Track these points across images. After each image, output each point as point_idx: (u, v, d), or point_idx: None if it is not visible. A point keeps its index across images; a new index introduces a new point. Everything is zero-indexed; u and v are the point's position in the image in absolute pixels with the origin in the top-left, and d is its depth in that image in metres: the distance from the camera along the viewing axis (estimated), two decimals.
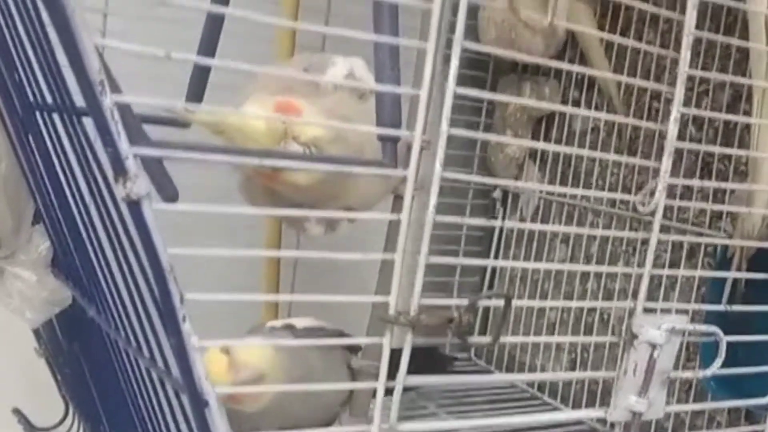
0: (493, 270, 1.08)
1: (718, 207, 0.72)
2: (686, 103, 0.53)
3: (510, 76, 1.05)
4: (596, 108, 0.97)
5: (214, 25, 0.74)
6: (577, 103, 1.01)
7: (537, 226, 1.05)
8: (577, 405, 0.94)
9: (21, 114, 0.61)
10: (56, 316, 0.69)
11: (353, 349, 0.71)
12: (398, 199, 0.54)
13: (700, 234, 0.84)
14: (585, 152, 0.80)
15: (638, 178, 0.94)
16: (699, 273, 0.78)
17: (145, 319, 0.47)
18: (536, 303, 0.95)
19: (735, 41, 0.66)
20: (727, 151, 0.77)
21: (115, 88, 0.42)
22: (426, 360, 0.60)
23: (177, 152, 0.43)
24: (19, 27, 0.53)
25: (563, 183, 1.02)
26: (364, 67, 0.66)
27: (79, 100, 0.43)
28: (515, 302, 0.51)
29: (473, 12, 0.97)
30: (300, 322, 0.69)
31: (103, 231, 0.49)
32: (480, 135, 0.85)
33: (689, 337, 0.59)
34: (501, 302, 0.51)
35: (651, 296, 0.58)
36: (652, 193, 0.55)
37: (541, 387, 1.00)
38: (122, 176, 0.40)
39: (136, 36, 0.47)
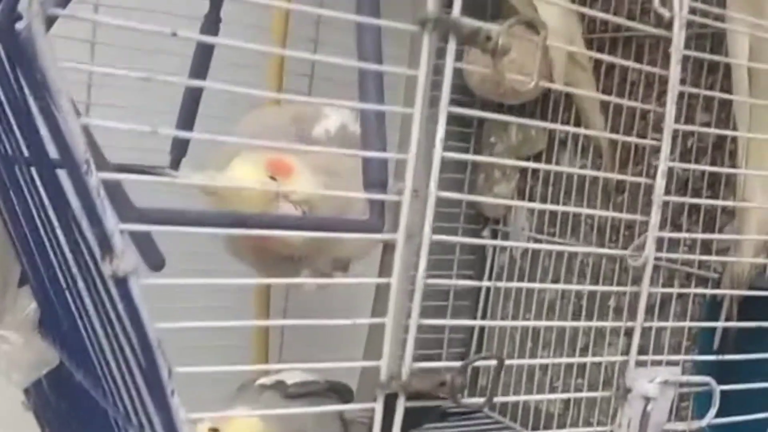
0: (485, 309, 1.08)
1: (707, 258, 0.72)
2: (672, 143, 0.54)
3: (500, 111, 1.06)
4: (583, 149, 0.98)
5: (204, 53, 0.74)
6: (563, 143, 1.02)
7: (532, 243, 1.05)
8: None
9: (2, 168, 0.61)
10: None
11: (345, 398, 0.71)
12: (388, 248, 0.53)
13: (690, 275, 0.84)
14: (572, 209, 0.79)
15: (626, 220, 0.94)
16: (689, 324, 0.78)
17: (134, 390, 0.47)
18: (526, 361, 0.95)
19: (718, 94, 0.66)
20: (715, 203, 0.77)
21: (102, 165, 0.42)
22: (418, 413, 0.60)
23: (165, 226, 0.43)
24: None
25: (552, 222, 1.02)
26: (354, 119, 0.66)
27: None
28: (507, 361, 0.51)
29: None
30: (291, 377, 0.68)
31: (90, 301, 0.48)
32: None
33: (682, 388, 0.58)
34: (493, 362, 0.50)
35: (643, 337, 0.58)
36: (642, 247, 0.55)
37: (534, 427, 0.99)
38: (109, 254, 0.40)
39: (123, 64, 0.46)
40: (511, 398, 0.89)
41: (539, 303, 1.02)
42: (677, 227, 0.87)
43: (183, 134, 0.62)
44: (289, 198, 0.57)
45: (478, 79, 0.96)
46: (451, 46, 0.47)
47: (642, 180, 0.55)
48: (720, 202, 0.74)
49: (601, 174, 0.80)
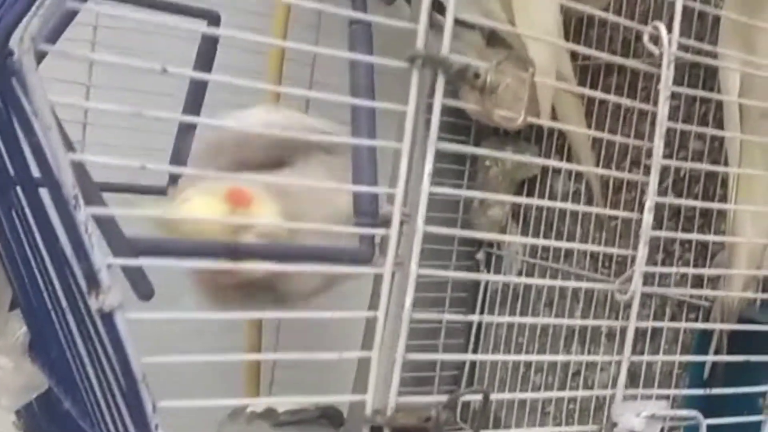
0: (478, 332, 1.08)
1: (697, 292, 0.72)
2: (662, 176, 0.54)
3: (491, 139, 1.06)
4: (577, 173, 0.98)
5: (196, 91, 0.74)
6: (557, 169, 1.02)
7: (522, 280, 1.05)
8: None
9: None
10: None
11: (337, 423, 0.71)
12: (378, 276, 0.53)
13: (682, 302, 0.85)
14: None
15: (620, 242, 0.95)
16: (678, 358, 0.78)
17: (120, 423, 0.47)
18: (517, 395, 0.95)
19: (708, 130, 0.67)
20: (705, 238, 0.77)
21: (93, 198, 0.42)
22: None
23: (153, 259, 0.43)
24: None
25: (545, 247, 1.02)
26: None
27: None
28: (495, 396, 0.51)
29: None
30: (281, 404, 0.68)
31: (77, 331, 0.49)
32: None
33: (669, 422, 0.59)
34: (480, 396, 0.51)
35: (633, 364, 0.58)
36: (629, 280, 0.55)
37: None
38: (95, 289, 0.40)
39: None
40: None
41: (532, 326, 1.02)
42: (669, 254, 0.88)
43: (172, 169, 0.62)
44: (251, 230, 0.57)
45: (473, 101, 0.96)
46: (440, 83, 0.48)
47: (633, 215, 0.55)
48: (710, 237, 0.74)
49: (591, 209, 0.80)
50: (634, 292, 0.55)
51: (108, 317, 0.41)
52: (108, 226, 0.45)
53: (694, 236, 0.74)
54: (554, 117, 0.98)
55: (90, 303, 0.41)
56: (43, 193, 0.46)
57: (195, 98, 0.74)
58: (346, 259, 0.55)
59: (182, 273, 0.57)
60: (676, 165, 0.64)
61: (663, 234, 0.61)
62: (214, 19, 0.68)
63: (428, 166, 0.47)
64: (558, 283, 0.91)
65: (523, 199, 0.95)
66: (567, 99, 0.92)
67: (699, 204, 0.72)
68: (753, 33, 0.62)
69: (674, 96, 0.65)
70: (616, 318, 0.95)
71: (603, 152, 0.96)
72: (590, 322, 0.85)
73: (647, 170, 0.57)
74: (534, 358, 0.93)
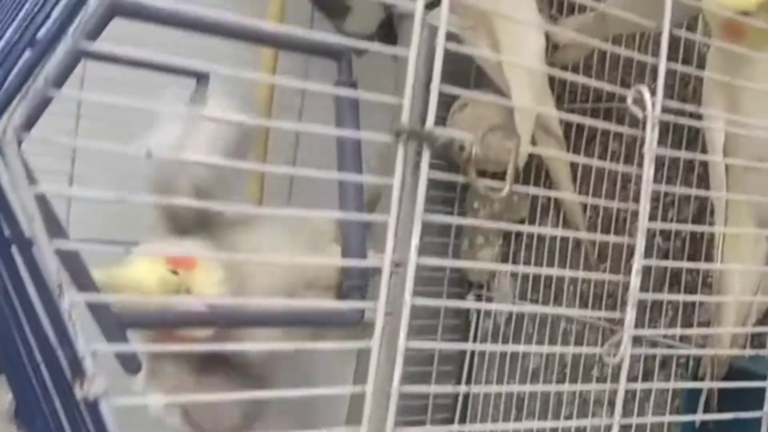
0: (470, 364, 1.07)
1: (686, 352, 0.72)
2: (652, 213, 0.54)
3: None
4: (565, 216, 0.99)
5: None
6: (545, 209, 1.02)
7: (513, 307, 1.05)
8: None
9: None
10: None
11: None
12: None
13: (671, 346, 0.85)
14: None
15: (609, 287, 0.95)
16: (669, 419, 0.78)
17: None
18: (511, 425, 0.94)
19: (693, 191, 0.67)
20: (692, 298, 0.77)
21: (80, 279, 0.42)
22: None
23: (139, 345, 0.43)
24: None
25: (535, 289, 1.02)
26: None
27: None
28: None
29: (442, 120, 0.99)
30: None
31: (61, 409, 0.48)
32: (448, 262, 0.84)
33: None
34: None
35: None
36: (618, 344, 0.55)
37: None
38: (79, 377, 0.40)
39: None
40: None
41: (523, 371, 1.02)
42: (659, 301, 0.88)
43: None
44: (192, 292, 0.57)
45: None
46: (426, 157, 0.48)
47: (618, 278, 0.55)
48: (696, 298, 0.74)
49: (576, 274, 0.80)
50: (623, 356, 0.55)
51: (93, 405, 0.40)
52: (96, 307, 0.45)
53: (682, 297, 0.74)
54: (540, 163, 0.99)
55: (74, 390, 0.40)
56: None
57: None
58: (335, 322, 0.55)
59: None
60: (661, 227, 0.64)
61: (650, 296, 0.61)
62: (203, 79, 0.69)
63: (415, 240, 0.47)
64: (547, 349, 0.90)
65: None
66: (550, 144, 0.93)
67: (686, 265, 0.72)
68: (736, 92, 0.63)
69: (660, 141, 0.65)
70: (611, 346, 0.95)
71: (591, 190, 0.96)
72: (580, 387, 0.85)
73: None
74: (529, 388, 0.92)
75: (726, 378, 0.76)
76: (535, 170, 1.01)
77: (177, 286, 0.58)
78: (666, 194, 0.88)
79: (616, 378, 0.58)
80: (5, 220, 0.40)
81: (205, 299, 0.55)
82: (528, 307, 0.94)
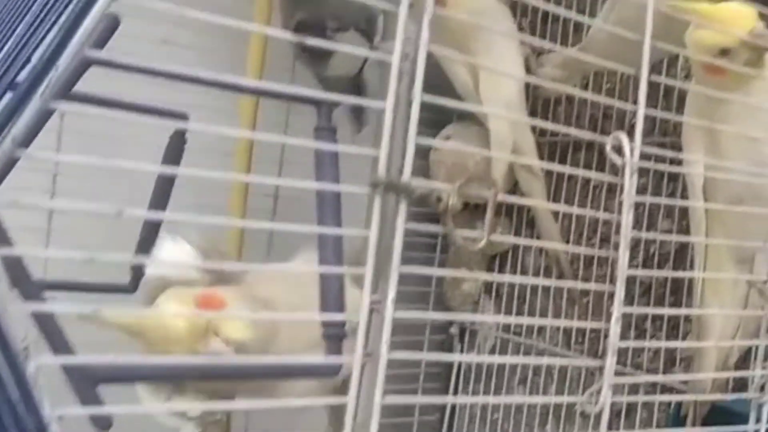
0: (453, 408, 1.07)
1: (667, 398, 0.72)
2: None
3: (462, 212, 1.06)
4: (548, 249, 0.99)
5: (165, 183, 0.74)
6: (529, 240, 1.02)
7: (495, 358, 1.04)
8: None
9: None
10: None
11: None
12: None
13: (654, 384, 0.84)
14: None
15: (593, 317, 0.94)
16: None
17: None
18: None
19: (679, 202, 0.67)
20: (674, 344, 0.77)
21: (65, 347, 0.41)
22: None
23: (107, 407, 0.42)
24: None
25: (519, 321, 1.02)
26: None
27: None
28: None
29: (425, 153, 0.98)
30: None
31: None
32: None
33: None
34: None
35: None
36: (598, 392, 0.55)
37: None
38: None
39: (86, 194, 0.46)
40: None
41: (507, 404, 1.01)
42: (642, 332, 0.87)
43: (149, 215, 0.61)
44: (220, 334, 0.56)
45: (442, 178, 0.96)
46: (402, 208, 0.47)
47: (599, 325, 0.55)
48: (678, 344, 0.74)
49: (557, 322, 0.80)
50: (604, 405, 0.54)
51: None
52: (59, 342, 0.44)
53: (663, 344, 0.74)
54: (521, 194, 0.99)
55: None
56: None
57: (162, 193, 0.73)
58: (313, 374, 0.54)
59: None
60: (643, 273, 0.64)
61: (631, 344, 0.60)
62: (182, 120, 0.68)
63: (392, 293, 0.46)
64: (528, 400, 0.90)
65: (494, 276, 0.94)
66: (529, 176, 0.93)
67: (667, 311, 0.71)
68: (715, 133, 0.63)
69: (642, 173, 0.65)
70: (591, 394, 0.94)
71: (574, 227, 0.96)
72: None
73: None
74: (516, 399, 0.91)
75: (708, 417, 0.75)
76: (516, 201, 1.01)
77: (205, 328, 0.57)
78: (648, 228, 0.88)
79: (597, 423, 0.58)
80: None
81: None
82: (509, 358, 0.93)
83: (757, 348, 0.64)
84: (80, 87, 0.53)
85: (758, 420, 0.64)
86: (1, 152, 0.36)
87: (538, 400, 0.93)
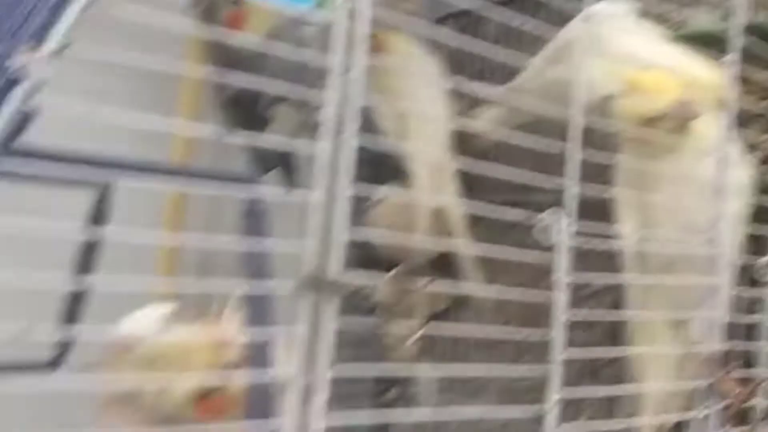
0: None
1: None
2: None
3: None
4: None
5: (89, 250, 0.71)
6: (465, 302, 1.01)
7: None
8: None
9: None
10: None
11: None
12: None
13: None
14: None
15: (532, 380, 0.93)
16: None
17: None
18: None
19: (611, 281, 0.66)
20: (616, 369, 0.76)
21: None
22: None
23: None
24: None
25: (459, 381, 1.00)
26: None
27: None
28: None
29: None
30: None
31: None
32: None
33: None
34: None
35: None
36: None
37: None
38: None
39: None
40: None
41: None
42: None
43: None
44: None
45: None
46: (332, 306, 0.45)
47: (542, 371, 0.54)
48: (615, 390, 0.73)
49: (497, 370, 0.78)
50: None
51: None
52: None
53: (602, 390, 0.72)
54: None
55: None
56: None
57: (87, 255, 0.71)
58: None
59: None
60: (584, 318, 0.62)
61: (574, 392, 0.59)
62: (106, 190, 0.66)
63: (321, 398, 0.44)
64: None
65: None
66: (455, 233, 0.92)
67: (606, 390, 0.70)
68: (646, 205, 0.63)
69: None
70: None
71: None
72: None
73: None
74: None
75: None
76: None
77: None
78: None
79: None
80: None
81: None
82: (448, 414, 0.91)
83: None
84: None
85: None
86: None
87: None
